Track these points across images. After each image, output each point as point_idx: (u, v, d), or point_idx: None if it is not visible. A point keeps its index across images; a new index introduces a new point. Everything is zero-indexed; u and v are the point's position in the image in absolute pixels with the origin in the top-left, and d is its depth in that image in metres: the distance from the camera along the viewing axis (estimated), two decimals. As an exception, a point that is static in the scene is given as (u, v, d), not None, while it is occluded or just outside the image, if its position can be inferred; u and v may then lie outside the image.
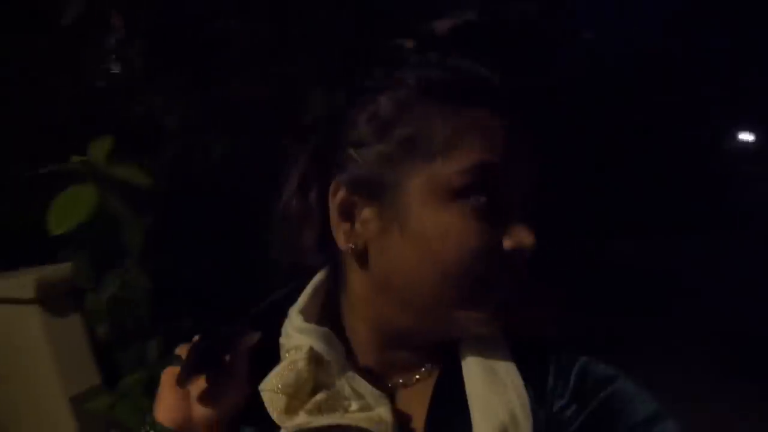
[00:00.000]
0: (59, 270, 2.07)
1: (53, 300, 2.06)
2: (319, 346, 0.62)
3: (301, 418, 0.59)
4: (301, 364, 0.61)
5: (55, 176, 1.90)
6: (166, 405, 0.64)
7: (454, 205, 0.59)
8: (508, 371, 0.63)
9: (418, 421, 0.63)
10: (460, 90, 0.61)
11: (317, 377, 0.62)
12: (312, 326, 0.64)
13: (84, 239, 1.93)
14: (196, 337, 0.66)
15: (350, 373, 0.63)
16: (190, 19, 2.04)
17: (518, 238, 0.60)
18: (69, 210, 1.87)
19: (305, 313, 0.66)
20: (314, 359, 0.62)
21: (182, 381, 0.62)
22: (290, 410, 0.60)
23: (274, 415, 0.60)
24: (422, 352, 0.66)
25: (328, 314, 0.68)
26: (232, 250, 2.11)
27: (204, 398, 0.63)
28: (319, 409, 0.60)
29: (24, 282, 2.08)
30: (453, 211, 0.59)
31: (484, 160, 0.59)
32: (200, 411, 0.63)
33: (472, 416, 0.60)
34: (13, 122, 2.12)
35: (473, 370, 0.62)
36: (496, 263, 0.60)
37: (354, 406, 0.61)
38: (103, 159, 1.91)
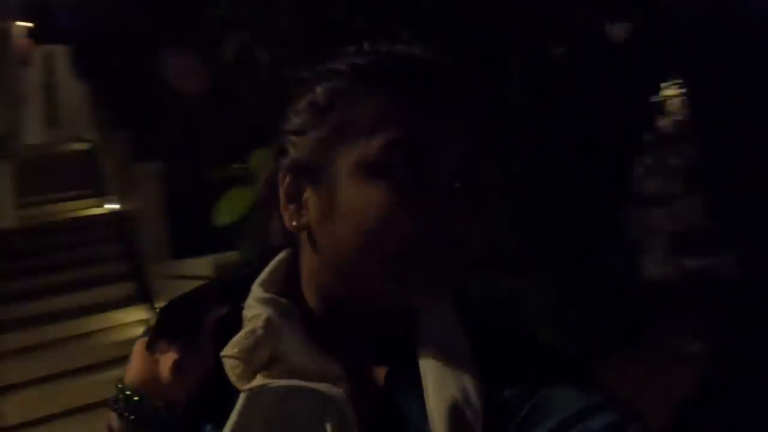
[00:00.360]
0: (230, 256, 2.56)
1: (226, 278, 2.56)
2: (276, 315, 0.66)
3: (258, 381, 0.62)
4: (259, 332, 0.64)
5: (223, 180, 2.39)
6: (135, 366, 0.68)
7: (379, 181, 0.61)
8: (461, 353, 0.65)
9: (373, 392, 0.66)
10: (387, 73, 0.64)
11: (275, 346, 0.65)
12: (270, 296, 0.67)
13: (246, 231, 2.40)
14: (164, 305, 0.72)
15: (308, 344, 0.65)
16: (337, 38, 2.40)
17: (442, 215, 0.62)
18: (231, 207, 2.36)
19: (265, 286, 0.69)
20: (272, 327, 0.65)
21: (150, 346, 0.68)
22: (248, 375, 0.63)
23: (233, 380, 0.63)
24: (378, 328, 0.69)
25: (290, 290, 0.70)
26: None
27: (172, 365, 0.67)
28: (275, 374, 0.63)
29: (204, 263, 2.63)
30: (377, 187, 0.61)
31: (404, 135, 0.61)
32: (167, 376, 0.66)
33: (425, 391, 0.63)
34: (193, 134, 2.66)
35: (428, 349, 0.65)
36: (423, 238, 0.61)
37: (309, 372, 0.63)
38: (260, 165, 2.35)
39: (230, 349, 0.64)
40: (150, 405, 0.65)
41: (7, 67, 7.63)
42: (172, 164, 4.10)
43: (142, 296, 4.59)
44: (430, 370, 0.64)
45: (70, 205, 6.97)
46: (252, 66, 2.28)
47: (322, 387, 0.62)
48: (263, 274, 0.70)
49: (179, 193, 3.60)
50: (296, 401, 0.62)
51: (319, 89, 0.66)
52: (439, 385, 0.62)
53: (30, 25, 8.27)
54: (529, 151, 2.25)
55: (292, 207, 0.67)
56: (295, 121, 0.68)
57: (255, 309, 0.67)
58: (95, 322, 4.38)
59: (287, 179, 0.67)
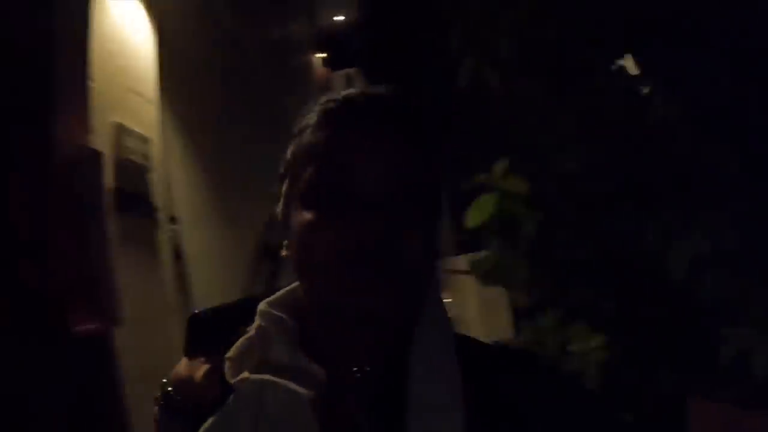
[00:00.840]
0: (478, 254, 3.03)
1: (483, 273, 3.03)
2: (268, 324, 0.75)
3: (243, 375, 0.70)
4: (251, 338, 0.74)
5: (472, 188, 2.86)
6: (179, 366, 0.79)
7: (308, 207, 0.71)
8: (452, 370, 0.71)
9: (352, 401, 0.71)
10: (321, 115, 0.75)
11: (265, 350, 0.73)
12: (267, 309, 0.77)
13: (492, 232, 2.85)
14: (193, 314, 0.85)
15: (293, 348, 0.73)
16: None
17: (362, 229, 0.67)
18: (478, 212, 2.82)
19: (270, 302, 0.78)
20: (263, 334, 0.74)
21: (187, 352, 0.79)
22: (237, 372, 0.71)
23: (227, 377, 0.71)
24: (361, 338, 0.74)
25: (299, 308, 0.78)
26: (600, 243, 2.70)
27: (203, 370, 0.75)
28: (257, 370, 0.71)
29: (462, 261, 3.15)
30: (307, 212, 0.70)
31: (324, 164, 0.71)
32: (199, 378, 0.75)
33: (408, 404, 0.68)
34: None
35: (418, 365, 0.70)
36: (347, 251, 0.67)
37: (290, 373, 0.70)
38: (500, 175, 2.78)
39: (231, 353, 0.73)
40: (180, 399, 0.75)
41: (311, 95, 9.12)
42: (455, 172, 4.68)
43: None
44: (417, 385, 0.69)
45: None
46: (485, 88, 2.74)
47: (291, 385, 0.69)
48: (276, 294, 0.81)
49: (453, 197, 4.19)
50: (271, 397, 0.69)
51: (293, 142, 0.78)
52: (423, 398, 0.68)
53: (324, 55, 9.62)
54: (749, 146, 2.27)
55: (285, 242, 0.78)
56: (281, 170, 0.80)
57: (256, 321, 0.77)
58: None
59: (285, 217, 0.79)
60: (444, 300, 0.81)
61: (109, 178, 2.62)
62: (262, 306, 0.78)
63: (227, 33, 4.61)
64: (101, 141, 2.56)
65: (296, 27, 7.16)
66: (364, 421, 0.69)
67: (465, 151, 3.31)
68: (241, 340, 0.74)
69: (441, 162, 0.76)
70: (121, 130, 2.74)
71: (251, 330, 0.75)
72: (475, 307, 3.20)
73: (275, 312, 0.77)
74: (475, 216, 2.87)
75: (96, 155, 2.51)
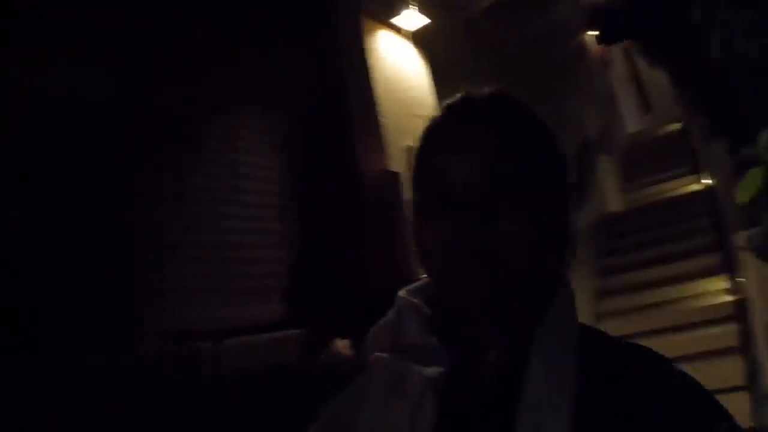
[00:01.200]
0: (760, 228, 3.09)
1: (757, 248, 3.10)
2: (402, 309, 0.80)
3: (376, 354, 0.77)
4: (388, 320, 0.80)
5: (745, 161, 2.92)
6: (335, 342, 0.94)
7: (415, 215, 0.75)
8: (569, 368, 0.68)
9: (473, 387, 0.71)
10: (428, 126, 0.77)
11: (402, 335, 0.78)
12: (405, 297, 0.81)
13: (761, 206, 2.90)
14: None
15: (422, 332, 0.76)
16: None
17: (459, 228, 0.68)
18: (747, 186, 2.89)
19: (408, 290, 0.83)
20: (397, 318, 0.80)
21: (341, 333, 0.97)
22: (372, 351, 0.78)
23: (367, 353, 0.78)
24: (496, 334, 0.72)
25: (435, 297, 0.80)
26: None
27: (350, 349, 0.89)
28: (390, 350, 0.77)
29: (740, 237, 3.24)
30: (415, 220, 0.74)
31: (422, 167, 0.74)
32: (346, 354, 0.88)
33: (521, 397, 0.67)
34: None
35: (536, 360, 0.69)
36: (448, 254, 0.69)
37: (416, 354, 0.74)
38: (765, 146, 2.82)
39: (370, 333, 0.81)
40: (326, 368, 0.89)
41: (590, 73, 9.20)
42: (735, 143, 4.58)
43: (726, 266, 5.14)
44: (531, 382, 0.68)
45: (670, 184, 7.95)
46: (736, 57, 2.83)
47: (409, 364, 0.73)
48: (417, 283, 0.84)
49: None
50: (399, 374, 0.74)
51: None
52: (534, 394, 0.67)
53: (596, 32, 9.54)
54: None
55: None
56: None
57: (395, 306, 0.82)
58: (684, 289, 5.18)
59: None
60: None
61: (407, 193, 3.27)
62: (401, 293, 0.83)
63: (492, 39, 5.09)
64: (397, 163, 3.25)
65: (563, 11, 7.35)
66: (477, 407, 0.70)
67: (730, 124, 3.32)
68: (379, 322, 0.82)
69: (549, 156, 0.74)
70: (412, 151, 3.38)
71: (389, 314, 0.81)
72: (754, 283, 3.24)
73: (411, 298, 0.81)
74: (744, 192, 2.95)
75: (394, 175, 3.20)
